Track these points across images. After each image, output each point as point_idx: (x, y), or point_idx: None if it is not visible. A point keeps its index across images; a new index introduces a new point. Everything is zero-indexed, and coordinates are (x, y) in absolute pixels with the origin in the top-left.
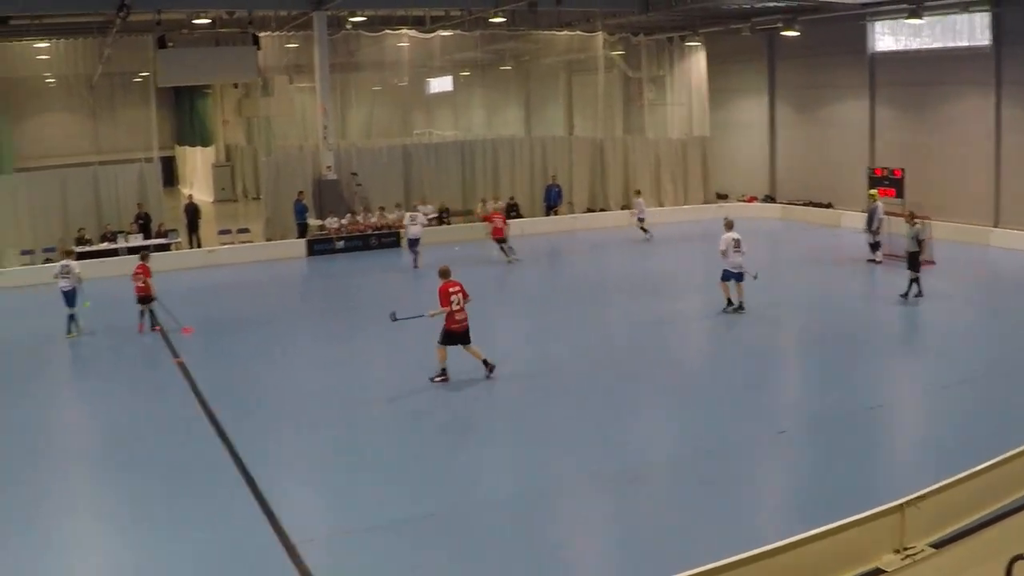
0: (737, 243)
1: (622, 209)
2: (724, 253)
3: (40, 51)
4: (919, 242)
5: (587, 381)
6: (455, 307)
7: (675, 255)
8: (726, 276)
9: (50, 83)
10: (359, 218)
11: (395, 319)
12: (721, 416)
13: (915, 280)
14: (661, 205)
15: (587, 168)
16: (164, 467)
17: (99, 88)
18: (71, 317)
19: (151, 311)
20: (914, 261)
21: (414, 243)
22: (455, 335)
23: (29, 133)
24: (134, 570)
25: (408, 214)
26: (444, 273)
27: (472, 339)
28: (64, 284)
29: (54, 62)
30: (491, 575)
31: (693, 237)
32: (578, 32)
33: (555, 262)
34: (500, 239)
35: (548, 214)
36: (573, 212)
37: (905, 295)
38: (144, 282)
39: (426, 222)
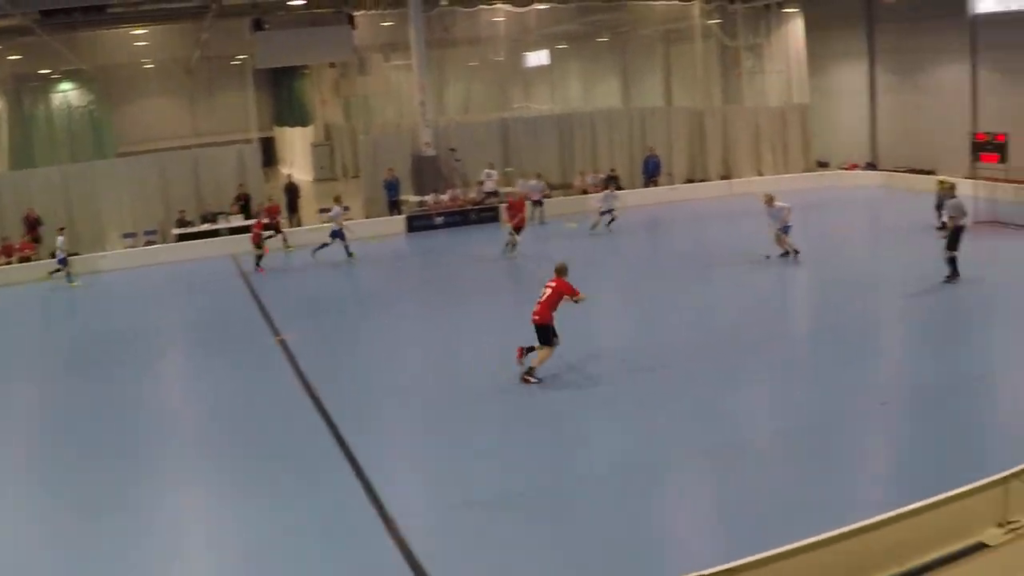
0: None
1: (721, 180)
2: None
3: (137, 37)
4: (952, 217)
5: (687, 354)
6: (538, 299)
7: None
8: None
9: (148, 68)
10: (459, 193)
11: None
12: (821, 388)
13: (952, 260)
14: (760, 174)
15: (686, 139)
16: (267, 442)
17: (197, 72)
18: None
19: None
20: (955, 239)
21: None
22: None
23: (129, 118)
24: (236, 544)
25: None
26: (560, 270)
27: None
28: (334, 226)
29: (152, 48)
30: (589, 550)
31: (796, 207)
32: (674, 1)
33: (653, 234)
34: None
35: (647, 185)
36: (672, 183)
37: (950, 277)
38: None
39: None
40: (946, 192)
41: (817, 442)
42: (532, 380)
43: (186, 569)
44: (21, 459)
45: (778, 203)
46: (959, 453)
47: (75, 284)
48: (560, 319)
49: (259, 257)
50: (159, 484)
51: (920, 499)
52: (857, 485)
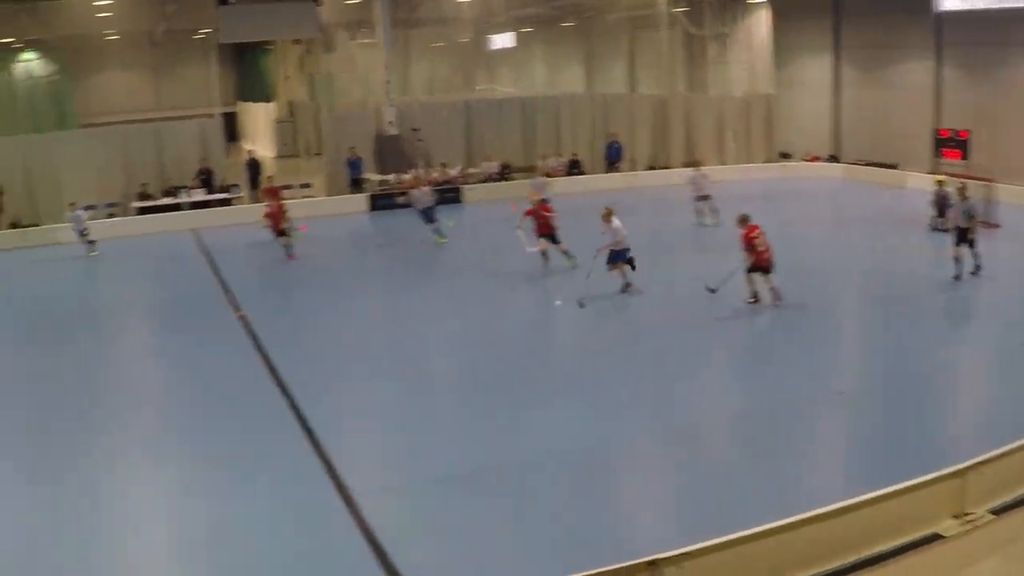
0: None
1: (684, 167)
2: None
3: (102, 8)
4: (971, 217)
5: (653, 338)
6: (761, 248)
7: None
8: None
9: (112, 40)
10: (421, 173)
11: (712, 291)
12: (781, 377)
13: (974, 255)
14: (723, 163)
15: (649, 126)
16: (225, 417)
17: (161, 45)
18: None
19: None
20: (964, 235)
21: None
22: (761, 267)
23: (92, 90)
24: (195, 522)
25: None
26: (744, 220)
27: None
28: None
29: (116, 19)
30: (541, 530)
31: (755, 196)
32: None
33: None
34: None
35: (609, 171)
36: (635, 170)
37: (958, 276)
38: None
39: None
40: (960, 195)
41: (775, 429)
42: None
43: (137, 544)
44: None
45: (616, 221)
46: (917, 443)
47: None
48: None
49: (288, 245)
50: (113, 457)
51: (877, 489)
52: (812, 475)
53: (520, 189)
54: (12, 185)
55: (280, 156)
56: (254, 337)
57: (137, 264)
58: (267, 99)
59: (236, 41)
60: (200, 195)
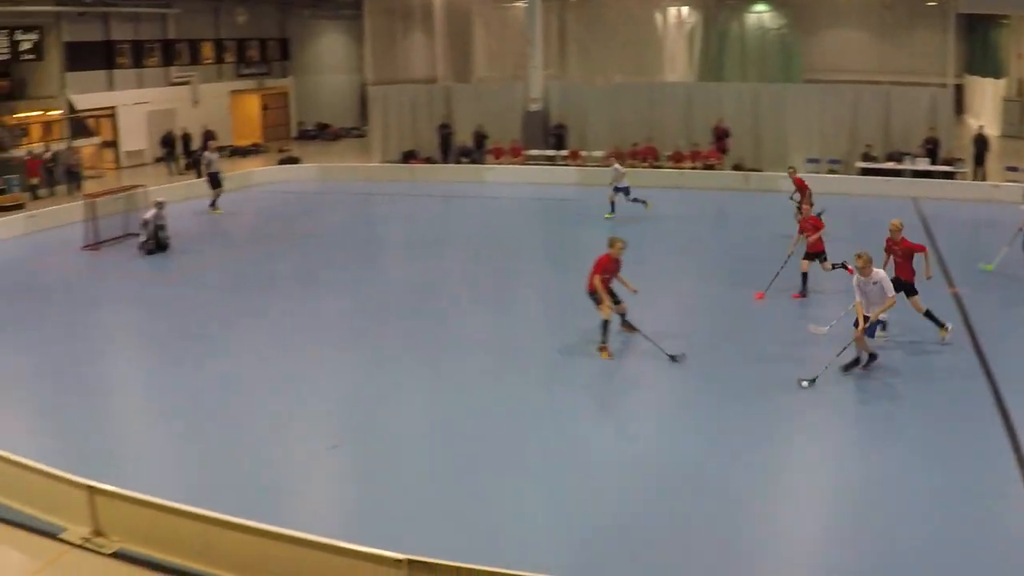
0: None
1: None
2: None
3: None
4: None
5: None
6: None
7: None
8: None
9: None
10: None
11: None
12: None
13: None
14: None
15: None
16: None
17: (893, 8)
18: None
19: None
20: None
21: None
22: None
23: (817, 46)
24: (894, 478)
25: None
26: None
27: None
28: None
29: None
30: None
31: None
32: None
33: None
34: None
35: None
36: None
37: None
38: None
39: None
40: None
41: None
42: None
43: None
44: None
45: (876, 272)
46: None
47: (609, 215)
48: None
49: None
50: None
51: None
52: None
53: None
54: (738, 129)
55: (1005, 136)
56: (964, 314)
57: (855, 223)
58: (996, 74)
59: (974, 12)
60: (924, 164)
